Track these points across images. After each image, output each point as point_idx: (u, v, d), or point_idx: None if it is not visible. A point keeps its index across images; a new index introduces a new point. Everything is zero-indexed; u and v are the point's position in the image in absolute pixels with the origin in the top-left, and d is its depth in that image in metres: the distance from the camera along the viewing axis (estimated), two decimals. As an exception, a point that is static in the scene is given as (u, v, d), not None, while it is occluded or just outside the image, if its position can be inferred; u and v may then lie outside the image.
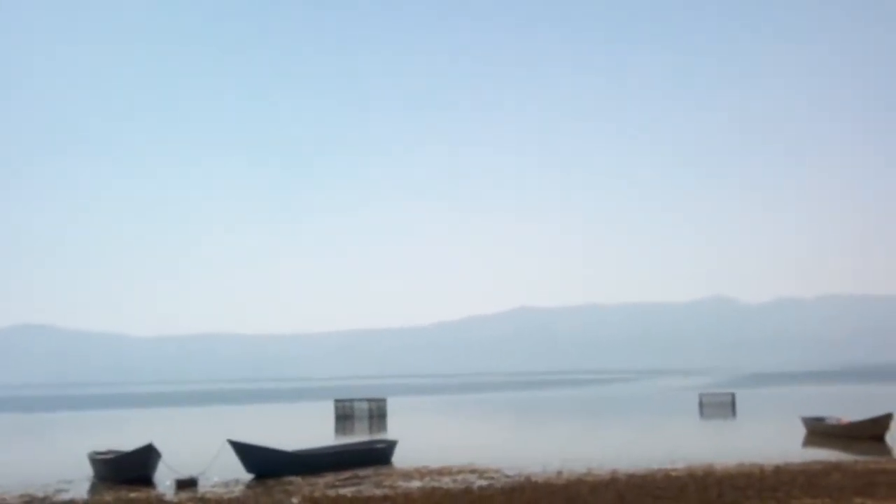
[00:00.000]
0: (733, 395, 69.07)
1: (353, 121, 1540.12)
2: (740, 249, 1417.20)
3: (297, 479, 26.16)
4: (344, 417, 64.78)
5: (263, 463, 28.08)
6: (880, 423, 36.40)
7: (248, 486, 25.36)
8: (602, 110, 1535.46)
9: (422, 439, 42.58)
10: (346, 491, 22.91)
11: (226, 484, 25.64)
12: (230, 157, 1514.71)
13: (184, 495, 23.08)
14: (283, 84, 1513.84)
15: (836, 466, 25.38)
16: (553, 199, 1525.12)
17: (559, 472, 25.73)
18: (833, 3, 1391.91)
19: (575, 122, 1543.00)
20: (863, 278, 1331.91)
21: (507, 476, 25.33)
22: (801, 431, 40.46)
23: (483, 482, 24.03)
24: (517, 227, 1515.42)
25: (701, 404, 66.73)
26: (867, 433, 36.44)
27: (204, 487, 24.81)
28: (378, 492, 22.52)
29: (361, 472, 27.56)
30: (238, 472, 27.83)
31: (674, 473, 24.54)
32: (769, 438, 39.11)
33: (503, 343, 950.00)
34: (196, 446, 37.89)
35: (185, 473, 26.62)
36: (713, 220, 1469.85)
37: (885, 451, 31.95)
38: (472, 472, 26.75)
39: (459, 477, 25.46)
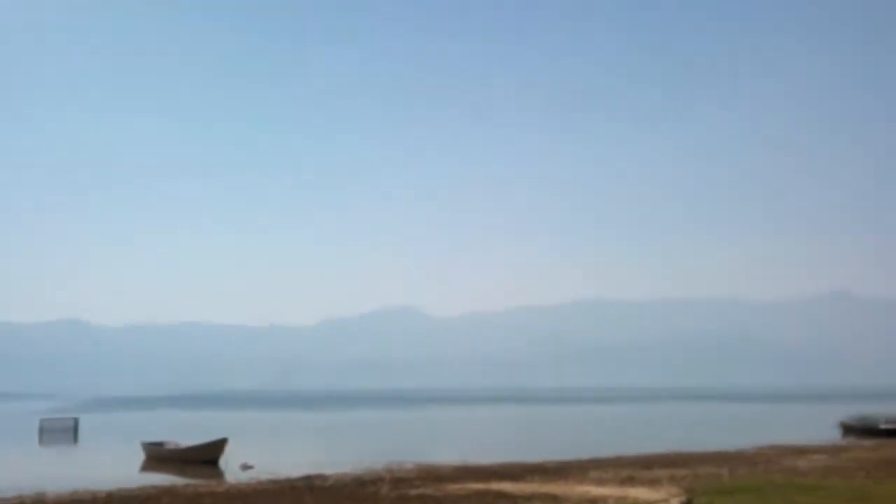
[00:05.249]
0: (76, 420, 67.36)
1: None
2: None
3: None
4: None
5: None
6: (215, 447, 38.20)
7: None
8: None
9: None
10: None
11: None
12: None
13: None
14: None
15: (167, 490, 25.96)
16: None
17: None
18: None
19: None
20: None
21: None
22: (142, 456, 40.76)
23: None
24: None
25: (41, 430, 63.75)
26: (203, 457, 37.94)
27: None
28: None
29: None
30: None
31: (-1, 504, 23.14)
32: (110, 464, 38.95)
33: None
34: None
35: None
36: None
37: (218, 473, 33.53)
38: None
39: None
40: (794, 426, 67.36)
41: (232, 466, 35.05)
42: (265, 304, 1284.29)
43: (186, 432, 55.37)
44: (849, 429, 54.92)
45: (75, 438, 58.51)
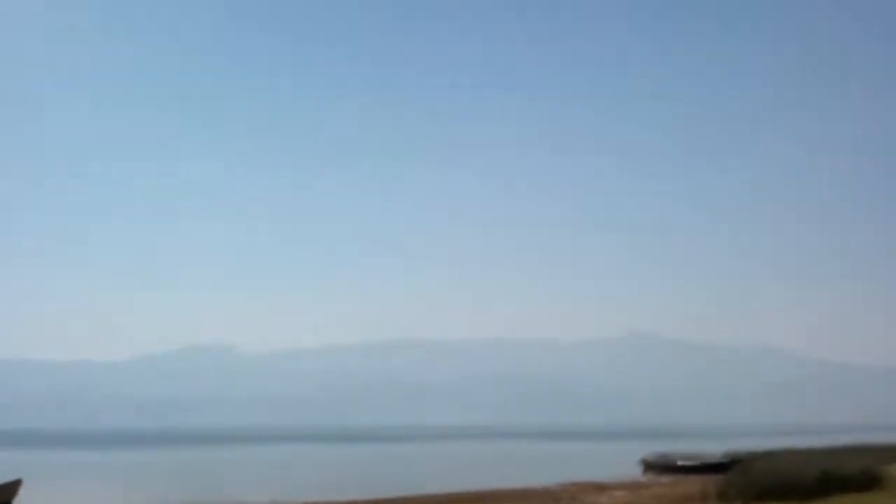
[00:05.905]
0: None
1: None
2: None
3: None
4: None
5: None
6: (8, 490, 36.16)
7: None
8: None
9: None
10: None
11: None
12: None
13: None
14: None
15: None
16: None
17: None
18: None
19: None
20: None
21: None
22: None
23: None
24: None
25: None
26: (-3, 499, 35.95)
27: None
28: None
29: None
30: None
31: None
32: None
33: None
34: None
35: None
36: None
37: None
38: None
39: None
40: (598, 463, 69.57)
41: (26, 510, 33.35)
42: (75, 339, 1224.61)
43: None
44: (649, 466, 57.16)
45: None
